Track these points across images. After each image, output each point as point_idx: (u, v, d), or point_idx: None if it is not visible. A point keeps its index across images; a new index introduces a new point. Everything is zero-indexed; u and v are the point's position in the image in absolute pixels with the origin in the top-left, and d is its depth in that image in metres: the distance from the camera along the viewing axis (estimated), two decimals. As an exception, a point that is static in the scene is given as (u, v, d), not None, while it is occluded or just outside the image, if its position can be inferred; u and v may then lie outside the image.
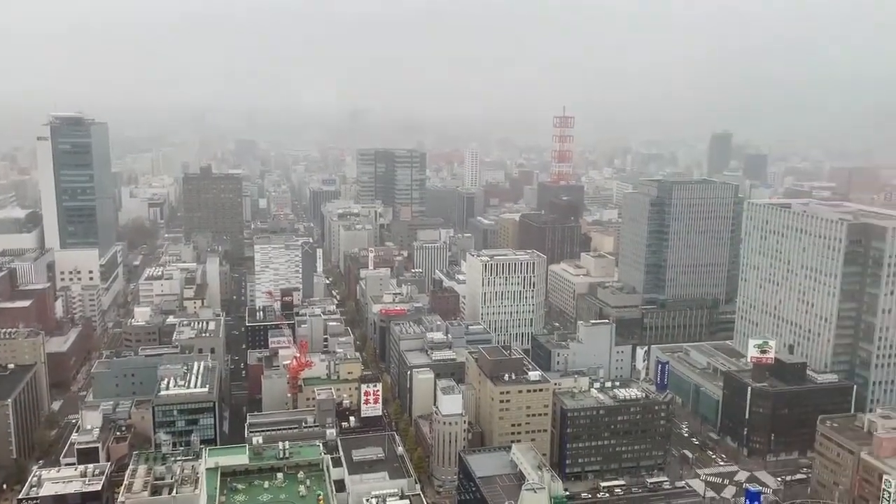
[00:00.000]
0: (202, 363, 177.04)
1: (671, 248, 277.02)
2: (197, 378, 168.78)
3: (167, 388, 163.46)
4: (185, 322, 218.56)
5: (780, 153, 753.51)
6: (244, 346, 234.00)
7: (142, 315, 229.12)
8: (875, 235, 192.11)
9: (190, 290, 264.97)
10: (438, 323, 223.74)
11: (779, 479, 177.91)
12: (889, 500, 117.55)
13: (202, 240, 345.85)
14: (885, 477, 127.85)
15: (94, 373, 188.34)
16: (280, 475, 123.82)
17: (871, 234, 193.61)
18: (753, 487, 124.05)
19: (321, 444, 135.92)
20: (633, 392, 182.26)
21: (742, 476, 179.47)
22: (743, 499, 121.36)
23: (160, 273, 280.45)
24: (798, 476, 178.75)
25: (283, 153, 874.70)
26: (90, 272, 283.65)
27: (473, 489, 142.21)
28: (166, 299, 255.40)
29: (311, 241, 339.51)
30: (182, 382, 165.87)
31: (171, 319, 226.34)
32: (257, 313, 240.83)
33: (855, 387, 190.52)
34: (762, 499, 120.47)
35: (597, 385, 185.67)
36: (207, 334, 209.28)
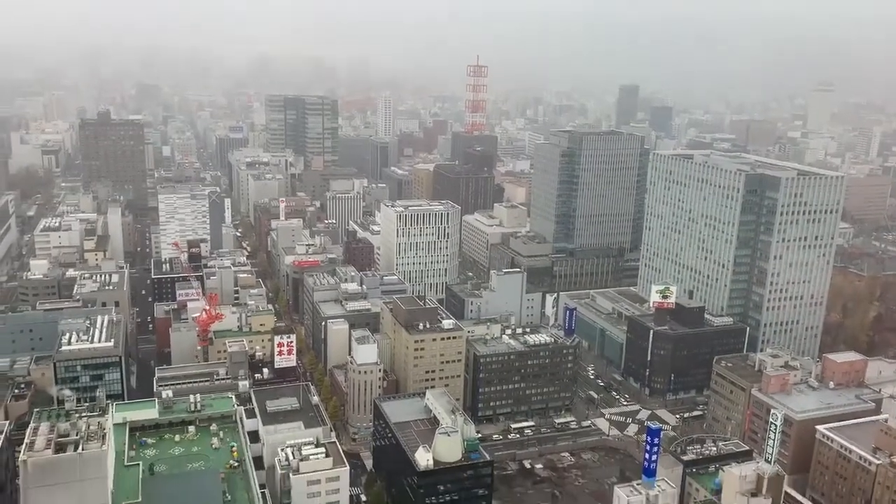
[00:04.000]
0: (106, 317, 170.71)
1: (580, 198, 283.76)
2: (101, 332, 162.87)
3: (69, 343, 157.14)
4: (86, 275, 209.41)
5: (684, 105, 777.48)
6: (150, 300, 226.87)
7: (38, 268, 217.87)
8: (769, 186, 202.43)
9: (91, 241, 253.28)
10: (353, 274, 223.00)
11: (677, 416, 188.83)
12: (775, 432, 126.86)
13: (102, 189, 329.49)
14: (772, 411, 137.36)
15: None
16: (192, 428, 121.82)
17: (766, 184, 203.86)
18: (654, 425, 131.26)
19: (234, 397, 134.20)
20: (542, 337, 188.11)
21: (644, 415, 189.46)
22: (644, 435, 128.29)
23: (57, 224, 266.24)
24: (695, 413, 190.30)
25: (186, 98, 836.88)
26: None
27: (389, 435, 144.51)
28: (65, 251, 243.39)
29: (218, 190, 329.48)
30: (85, 337, 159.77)
31: (71, 272, 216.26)
32: (163, 265, 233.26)
33: (748, 329, 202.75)
34: (662, 435, 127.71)
35: (508, 331, 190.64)
36: (111, 287, 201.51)
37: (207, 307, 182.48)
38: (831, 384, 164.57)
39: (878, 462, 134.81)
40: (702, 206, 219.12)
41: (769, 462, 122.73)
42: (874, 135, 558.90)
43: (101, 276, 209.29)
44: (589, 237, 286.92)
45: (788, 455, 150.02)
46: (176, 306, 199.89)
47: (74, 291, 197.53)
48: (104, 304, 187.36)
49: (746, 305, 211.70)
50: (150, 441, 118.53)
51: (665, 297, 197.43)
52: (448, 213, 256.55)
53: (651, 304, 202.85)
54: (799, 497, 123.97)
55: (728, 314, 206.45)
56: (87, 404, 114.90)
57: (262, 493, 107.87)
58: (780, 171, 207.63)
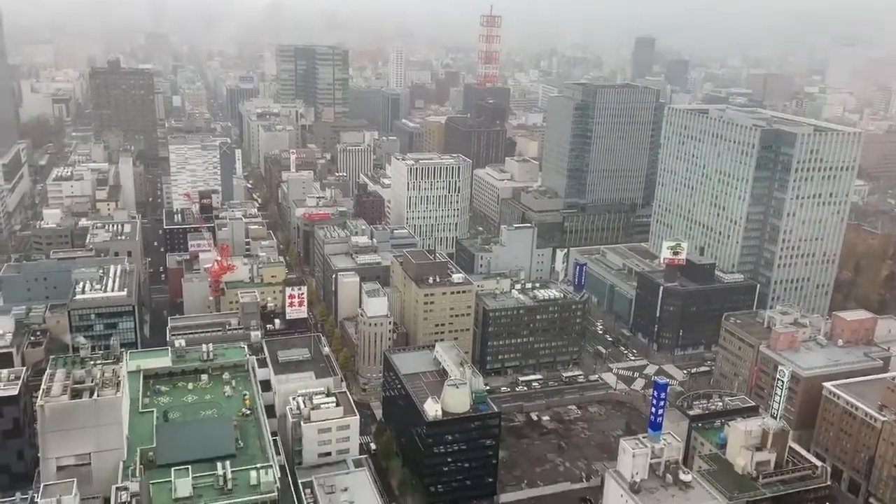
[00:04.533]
0: (119, 266, 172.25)
1: (593, 152, 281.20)
2: (114, 281, 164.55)
3: (83, 291, 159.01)
4: (98, 224, 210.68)
5: (700, 59, 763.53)
6: (163, 250, 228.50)
7: (51, 217, 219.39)
8: (785, 142, 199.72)
9: (102, 191, 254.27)
10: (363, 227, 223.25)
11: (685, 371, 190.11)
12: (782, 388, 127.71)
13: (113, 139, 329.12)
14: (779, 367, 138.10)
15: (1, 276, 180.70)
16: (205, 376, 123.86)
17: (781, 140, 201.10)
18: (661, 379, 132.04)
19: (246, 346, 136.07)
20: (551, 292, 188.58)
21: (651, 369, 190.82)
22: (651, 390, 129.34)
23: (69, 174, 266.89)
24: (702, 368, 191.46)
25: (196, 48, 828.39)
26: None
27: (398, 386, 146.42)
28: (77, 201, 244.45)
29: (228, 141, 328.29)
30: (98, 286, 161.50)
31: (83, 222, 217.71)
32: (175, 216, 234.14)
33: (758, 286, 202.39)
34: (668, 390, 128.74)
35: (518, 286, 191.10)
36: (123, 237, 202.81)
37: (219, 258, 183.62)
38: (840, 342, 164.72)
39: (883, 419, 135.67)
40: (716, 161, 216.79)
41: (775, 418, 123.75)
42: (894, 90, 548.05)
43: (113, 225, 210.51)
44: (601, 192, 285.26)
45: (794, 411, 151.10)
46: (188, 257, 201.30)
47: (87, 241, 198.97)
48: (117, 254, 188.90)
49: (757, 262, 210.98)
50: (163, 389, 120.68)
51: (676, 253, 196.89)
52: (459, 167, 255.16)
53: (662, 261, 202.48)
54: (803, 452, 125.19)
55: (739, 271, 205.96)
56: (101, 352, 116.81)
57: (274, 441, 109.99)
58: (796, 127, 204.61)
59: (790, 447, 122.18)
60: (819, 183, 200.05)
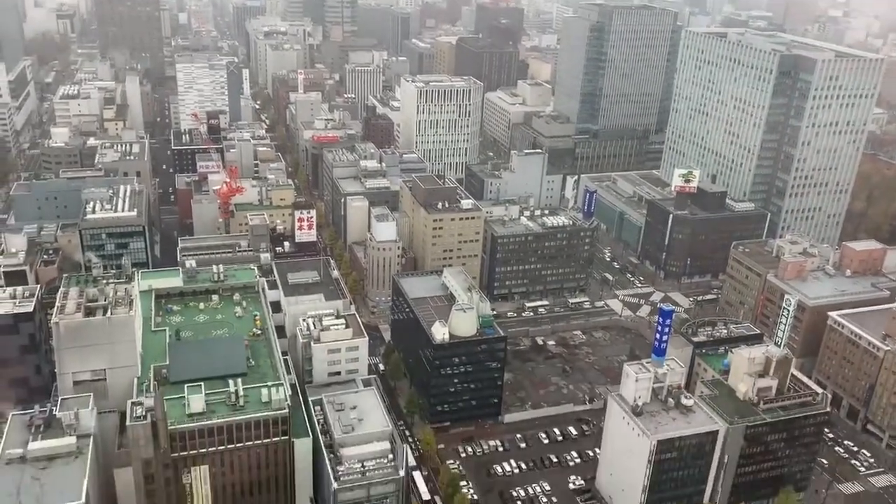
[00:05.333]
0: (128, 187, 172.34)
1: (607, 76, 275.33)
2: (124, 202, 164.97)
3: (93, 211, 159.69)
4: (107, 144, 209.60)
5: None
6: (171, 170, 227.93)
7: (60, 136, 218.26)
8: (804, 67, 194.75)
9: (110, 110, 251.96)
10: (372, 151, 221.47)
11: (691, 299, 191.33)
12: (787, 317, 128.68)
13: (120, 57, 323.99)
14: (786, 296, 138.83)
15: (13, 195, 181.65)
16: (215, 297, 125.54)
17: (800, 66, 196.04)
18: (667, 306, 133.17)
19: (256, 268, 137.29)
20: (560, 219, 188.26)
21: (657, 297, 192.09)
22: (656, 317, 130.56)
23: (76, 92, 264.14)
24: (709, 296, 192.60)
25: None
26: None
27: (406, 309, 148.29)
28: (85, 120, 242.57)
29: (236, 60, 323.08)
30: (109, 206, 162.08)
31: (91, 141, 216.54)
32: (183, 136, 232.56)
33: (769, 215, 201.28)
34: (674, 317, 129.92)
35: (526, 213, 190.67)
36: (132, 157, 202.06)
37: (228, 180, 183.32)
38: (848, 272, 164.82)
39: (886, 348, 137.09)
40: (732, 87, 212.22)
41: (779, 345, 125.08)
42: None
43: (121, 145, 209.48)
44: (614, 118, 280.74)
45: (798, 340, 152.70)
46: (197, 178, 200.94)
47: (96, 160, 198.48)
48: (126, 174, 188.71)
49: (769, 191, 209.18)
50: (175, 308, 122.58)
51: (687, 181, 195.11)
52: (470, 90, 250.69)
53: (673, 188, 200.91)
54: (805, 379, 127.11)
55: (750, 200, 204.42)
56: (113, 272, 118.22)
57: (285, 360, 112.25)
58: (816, 53, 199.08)
59: (792, 374, 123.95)
60: (837, 111, 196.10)
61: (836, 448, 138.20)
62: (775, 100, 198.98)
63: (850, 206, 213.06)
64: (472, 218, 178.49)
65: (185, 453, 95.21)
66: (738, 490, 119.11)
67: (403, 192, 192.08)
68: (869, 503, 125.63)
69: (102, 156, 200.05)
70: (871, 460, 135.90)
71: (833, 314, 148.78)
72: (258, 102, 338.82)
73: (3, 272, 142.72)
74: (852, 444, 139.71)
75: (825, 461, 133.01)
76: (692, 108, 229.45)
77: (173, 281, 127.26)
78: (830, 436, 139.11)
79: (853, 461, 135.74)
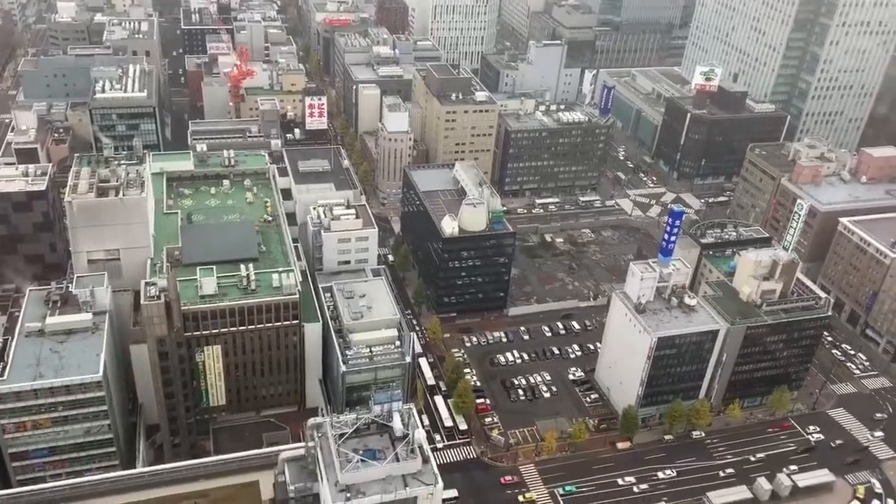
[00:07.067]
0: (138, 66, 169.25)
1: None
2: (134, 82, 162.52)
3: (102, 91, 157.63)
4: (115, 21, 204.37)
5: None
6: (181, 51, 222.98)
7: (66, 10, 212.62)
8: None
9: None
10: (385, 37, 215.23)
11: (702, 200, 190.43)
12: (798, 221, 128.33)
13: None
14: (798, 201, 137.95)
15: (21, 71, 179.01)
16: (226, 182, 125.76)
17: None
18: (677, 207, 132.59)
19: (266, 154, 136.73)
20: (576, 115, 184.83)
21: (668, 197, 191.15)
22: (666, 217, 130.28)
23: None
24: (721, 199, 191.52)
25: None
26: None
27: (417, 202, 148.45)
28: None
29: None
30: (118, 86, 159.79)
31: (99, 17, 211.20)
32: (192, 16, 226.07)
33: (788, 117, 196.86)
34: (683, 218, 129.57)
35: (542, 108, 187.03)
36: (141, 35, 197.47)
37: (238, 62, 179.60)
38: (864, 178, 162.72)
39: (893, 256, 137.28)
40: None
41: (786, 249, 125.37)
42: None
43: (129, 23, 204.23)
44: (637, 10, 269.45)
45: (806, 244, 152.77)
46: (207, 60, 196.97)
47: (104, 38, 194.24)
48: (135, 53, 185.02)
49: (791, 93, 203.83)
50: (186, 192, 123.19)
51: (709, 79, 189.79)
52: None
53: (693, 86, 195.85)
54: (810, 283, 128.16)
55: (771, 101, 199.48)
56: (124, 153, 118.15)
57: (295, 247, 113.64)
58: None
59: (797, 278, 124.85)
60: (870, 9, 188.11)
61: (834, 351, 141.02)
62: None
63: (873, 110, 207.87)
64: (487, 111, 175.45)
65: (198, 333, 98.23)
66: (735, 387, 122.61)
67: (417, 81, 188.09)
68: (860, 404, 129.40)
69: (111, 33, 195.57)
70: (867, 363, 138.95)
71: (844, 220, 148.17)
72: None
73: (15, 149, 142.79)
74: (850, 348, 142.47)
75: (822, 363, 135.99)
76: (718, 3, 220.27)
77: (184, 164, 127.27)
78: (829, 339, 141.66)
79: (849, 364, 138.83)
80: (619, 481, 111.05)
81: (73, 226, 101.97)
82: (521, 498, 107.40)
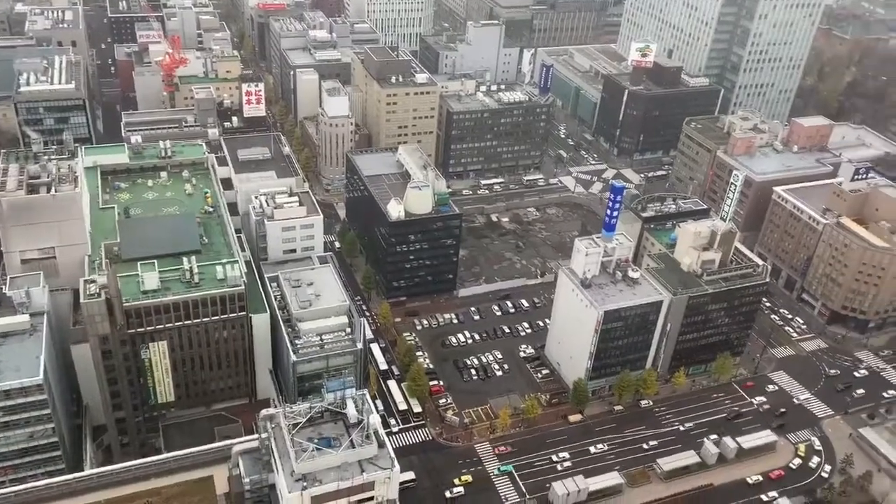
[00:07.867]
0: (64, 57, 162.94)
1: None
2: (61, 73, 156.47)
3: (27, 83, 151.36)
4: (37, 10, 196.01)
5: None
6: (109, 40, 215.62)
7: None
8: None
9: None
10: (321, 20, 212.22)
11: (642, 175, 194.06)
12: (734, 192, 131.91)
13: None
14: (733, 172, 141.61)
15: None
16: (164, 174, 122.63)
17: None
18: (618, 183, 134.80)
19: (204, 144, 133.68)
20: (516, 95, 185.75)
21: (610, 173, 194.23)
22: (608, 193, 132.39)
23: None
24: (659, 173, 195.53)
25: None
26: None
27: (361, 187, 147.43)
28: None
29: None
30: (44, 78, 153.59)
31: (20, 7, 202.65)
32: (120, 3, 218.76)
33: (722, 91, 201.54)
34: (624, 193, 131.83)
35: (483, 88, 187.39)
36: (65, 25, 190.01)
37: (170, 50, 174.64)
38: (795, 148, 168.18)
39: (825, 222, 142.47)
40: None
41: (724, 220, 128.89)
42: None
43: (53, 12, 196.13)
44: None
45: (743, 214, 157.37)
46: (137, 49, 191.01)
47: (26, 28, 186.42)
48: (60, 44, 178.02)
49: (724, 66, 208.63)
50: (122, 185, 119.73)
51: (644, 55, 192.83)
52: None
53: (629, 63, 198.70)
54: (747, 252, 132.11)
55: (705, 75, 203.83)
56: (54, 147, 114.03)
57: (238, 238, 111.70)
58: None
59: (736, 247, 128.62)
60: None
61: (773, 316, 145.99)
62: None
63: (801, 81, 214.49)
64: (428, 93, 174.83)
65: (143, 329, 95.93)
66: (680, 356, 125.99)
67: (355, 64, 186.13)
68: (798, 365, 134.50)
69: (33, 23, 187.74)
70: (804, 327, 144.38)
71: (778, 189, 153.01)
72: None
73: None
74: (787, 313, 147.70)
75: (762, 328, 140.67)
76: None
77: (119, 157, 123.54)
78: (768, 305, 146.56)
79: (787, 328, 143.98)
80: (569, 452, 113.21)
81: (3, 224, 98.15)
82: (456, 481, 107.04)
